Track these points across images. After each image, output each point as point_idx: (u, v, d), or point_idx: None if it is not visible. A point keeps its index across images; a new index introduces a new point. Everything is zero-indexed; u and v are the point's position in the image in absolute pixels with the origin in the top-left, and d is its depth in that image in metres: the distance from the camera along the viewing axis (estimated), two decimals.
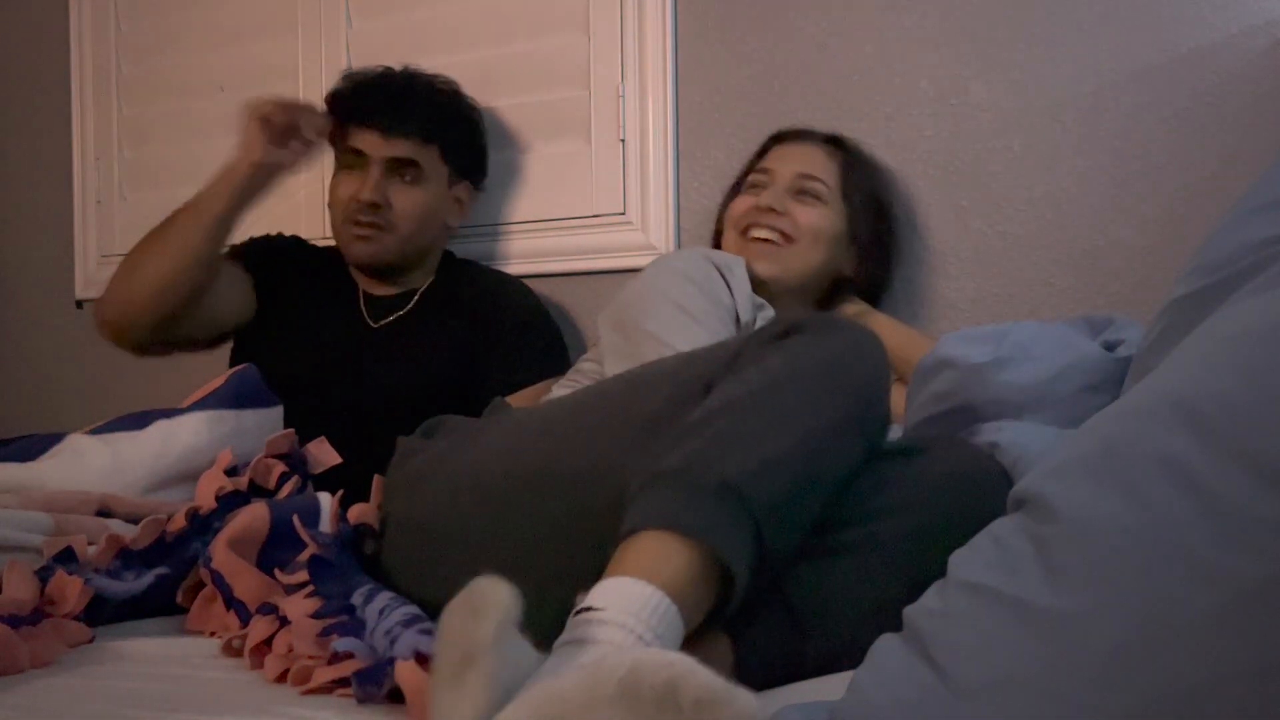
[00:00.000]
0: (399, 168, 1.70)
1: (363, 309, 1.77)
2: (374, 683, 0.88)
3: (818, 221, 1.53)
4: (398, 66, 1.76)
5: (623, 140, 1.84)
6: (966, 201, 1.65)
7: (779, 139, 1.63)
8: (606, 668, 0.63)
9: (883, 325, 1.56)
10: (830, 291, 1.60)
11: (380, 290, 1.78)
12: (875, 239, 1.59)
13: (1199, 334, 0.73)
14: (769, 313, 1.44)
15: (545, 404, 1.15)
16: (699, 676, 0.61)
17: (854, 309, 1.59)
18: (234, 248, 1.77)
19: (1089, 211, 1.57)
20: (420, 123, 1.70)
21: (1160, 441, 0.64)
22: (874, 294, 1.64)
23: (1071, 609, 0.61)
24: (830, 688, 0.82)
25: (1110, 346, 1.24)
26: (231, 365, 1.63)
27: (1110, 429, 0.68)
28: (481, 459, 1.11)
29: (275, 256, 1.80)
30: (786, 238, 1.52)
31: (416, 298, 1.77)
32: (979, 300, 1.64)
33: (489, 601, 0.68)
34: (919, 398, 1.29)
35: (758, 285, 1.47)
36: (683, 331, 1.31)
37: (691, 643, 0.86)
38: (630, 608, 0.76)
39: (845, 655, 0.94)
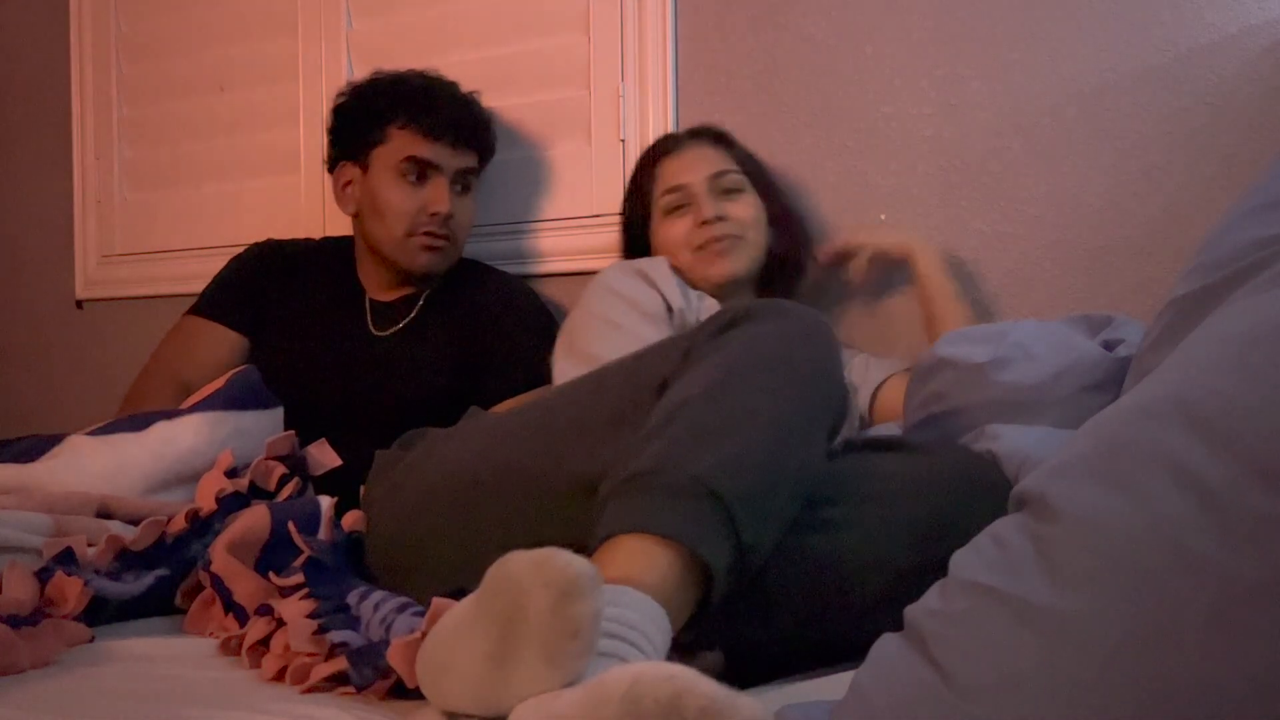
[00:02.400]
0: (463, 177, 1.72)
1: (368, 317, 1.76)
2: (369, 665, 0.89)
3: (752, 211, 1.59)
4: (416, 69, 1.76)
5: (623, 140, 1.84)
6: (966, 201, 1.65)
7: (660, 154, 1.65)
8: (607, 684, 0.63)
9: (932, 270, 1.58)
10: (768, 273, 1.62)
11: (387, 296, 1.77)
12: (785, 211, 1.65)
13: (1199, 333, 0.73)
14: (713, 301, 1.48)
15: (512, 408, 1.15)
16: (702, 687, 0.61)
17: (898, 238, 1.61)
18: (212, 307, 1.77)
19: (1089, 211, 1.57)
20: (478, 134, 1.74)
21: (1161, 441, 0.63)
22: (801, 269, 1.67)
23: (1072, 609, 0.61)
24: (830, 687, 0.82)
25: (1109, 346, 1.23)
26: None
27: (1111, 429, 0.68)
28: (450, 464, 1.11)
29: (256, 296, 1.78)
30: (737, 238, 1.56)
31: (420, 304, 1.76)
32: (979, 300, 1.64)
33: (584, 581, 0.68)
34: (917, 397, 1.29)
35: (717, 287, 1.54)
36: (611, 344, 1.36)
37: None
38: (620, 616, 0.75)
39: (807, 632, 0.94)
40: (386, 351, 1.73)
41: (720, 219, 1.55)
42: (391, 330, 1.75)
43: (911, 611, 0.70)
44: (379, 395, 1.68)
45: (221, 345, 1.74)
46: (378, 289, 1.78)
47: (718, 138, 1.66)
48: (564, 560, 0.68)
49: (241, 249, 1.88)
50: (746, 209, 1.58)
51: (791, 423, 0.91)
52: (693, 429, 0.88)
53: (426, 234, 1.69)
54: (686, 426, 0.88)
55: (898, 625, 0.72)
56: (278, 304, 1.77)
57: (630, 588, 0.77)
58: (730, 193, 1.58)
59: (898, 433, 1.44)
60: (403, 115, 1.69)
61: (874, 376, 1.58)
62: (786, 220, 1.63)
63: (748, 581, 0.88)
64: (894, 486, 0.97)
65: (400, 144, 1.69)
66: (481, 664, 0.72)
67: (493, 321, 1.72)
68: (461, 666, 0.74)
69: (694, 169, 1.59)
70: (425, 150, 1.68)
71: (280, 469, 1.30)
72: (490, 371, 1.68)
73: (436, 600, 0.90)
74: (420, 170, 1.69)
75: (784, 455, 0.89)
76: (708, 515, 0.82)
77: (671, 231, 1.58)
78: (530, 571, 0.69)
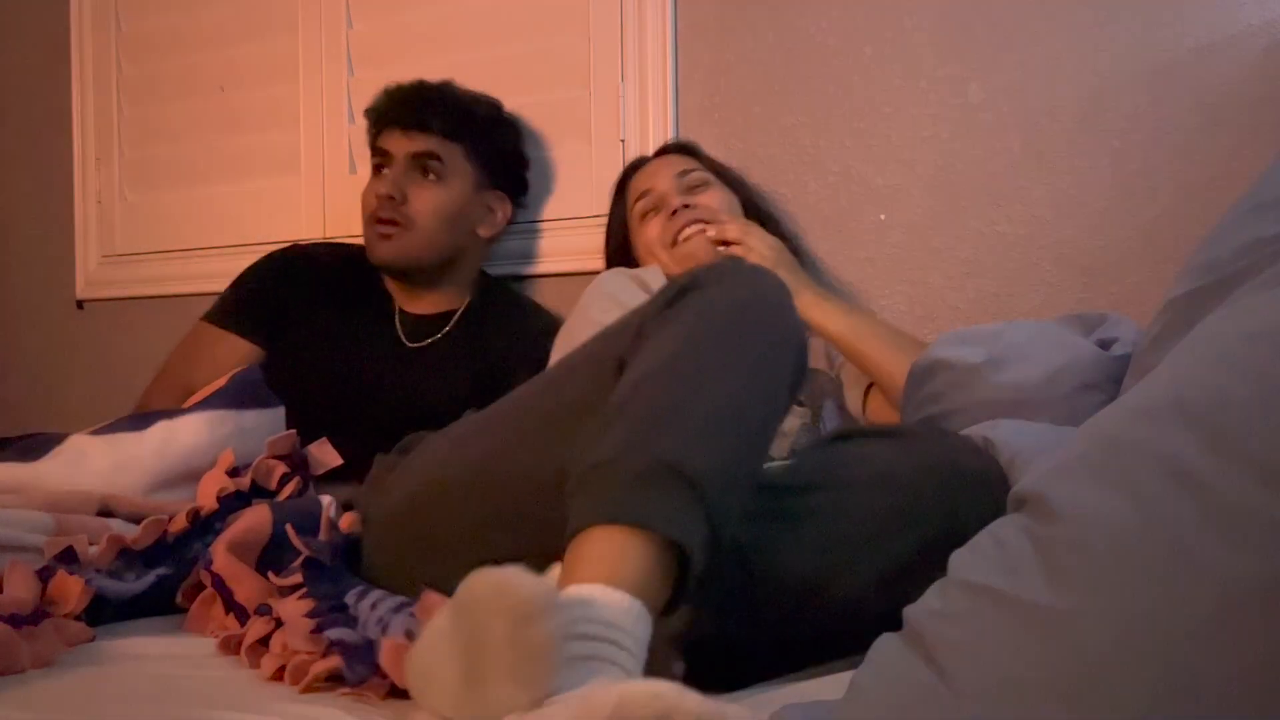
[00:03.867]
0: (420, 164, 1.70)
1: (398, 328, 1.75)
2: (364, 662, 0.89)
3: (721, 200, 1.62)
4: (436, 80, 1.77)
5: (623, 140, 1.84)
6: (966, 201, 1.65)
7: (629, 173, 1.71)
8: (593, 703, 0.63)
9: (829, 312, 1.52)
10: None
11: (416, 308, 1.76)
12: (759, 208, 1.67)
13: (1198, 333, 0.73)
14: None
15: (492, 405, 1.15)
16: (689, 705, 0.61)
17: (809, 296, 1.53)
18: (225, 315, 1.75)
19: (1089, 211, 1.58)
20: (443, 120, 1.70)
21: (1161, 441, 0.64)
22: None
23: (1072, 609, 0.61)
24: (830, 687, 0.82)
25: (1104, 345, 1.23)
26: (264, 375, 1.60)
27: (1110, 429, 0.68)
28: (433, 465, 1.12)
29: (274, 305, 1.75)
30: (707, 223, 1.58)
31: (454, 321, 1.75)
32: (979, 300, 1.64)
33: (538, 606, 0.68)
34: (914, 400, 1.29)
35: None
36: None
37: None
38: (599, 617, 0.75)
39: (796, 624, 0.94)
40: (419, 363, 1.72)
41: (688, 207, 1.59)
42: (423, 343, 1.74)
43: (911, 611, 0.70)
44: (408, 406, 1.66)
45: (233, 354, 1.71)
46: (404, 299, 1.77)
47: (682, 148, 1.71)
48: (518, 585, 0.68)
49: (241, 248, 1.88)
50: (714, 199, 1.61)
51: (749, 384, 0.90)
52: (650, 409, 0.86)
53: (377, 220, 1.70)
54: (644, 407, 0.87)
55: (888, 617, 0.72)
56: (301, 312, 1.74)
57: (604, 585, 0.76)
58: (697, 188, 1.63)
59: None
60: (373, 119, 1.75)
61: (864, 377, 1.58)
62: (762, 219, 1.64)
63: (722, 552, 0.87)
64: (883, 470, 0.96)
65: (374, 140, 1.74)
66: (456, 681, 0.72)
67: (520, 350, 1.70)
68: (440, 681, 0.74)
69: (659, 174, 1.65)
70: (381, 140, 1.72)
71: (281, 468, 1.30)
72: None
73: (426, 593, 0.91)
74: (381, 161, 1.72)
75: (744, 418, 0.88)
76: (675, 496, 0.81)
77: (647, 234, 1.62)
78: (489, 598, 0.69)
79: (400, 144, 1.70)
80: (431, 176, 1.71)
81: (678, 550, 0.81)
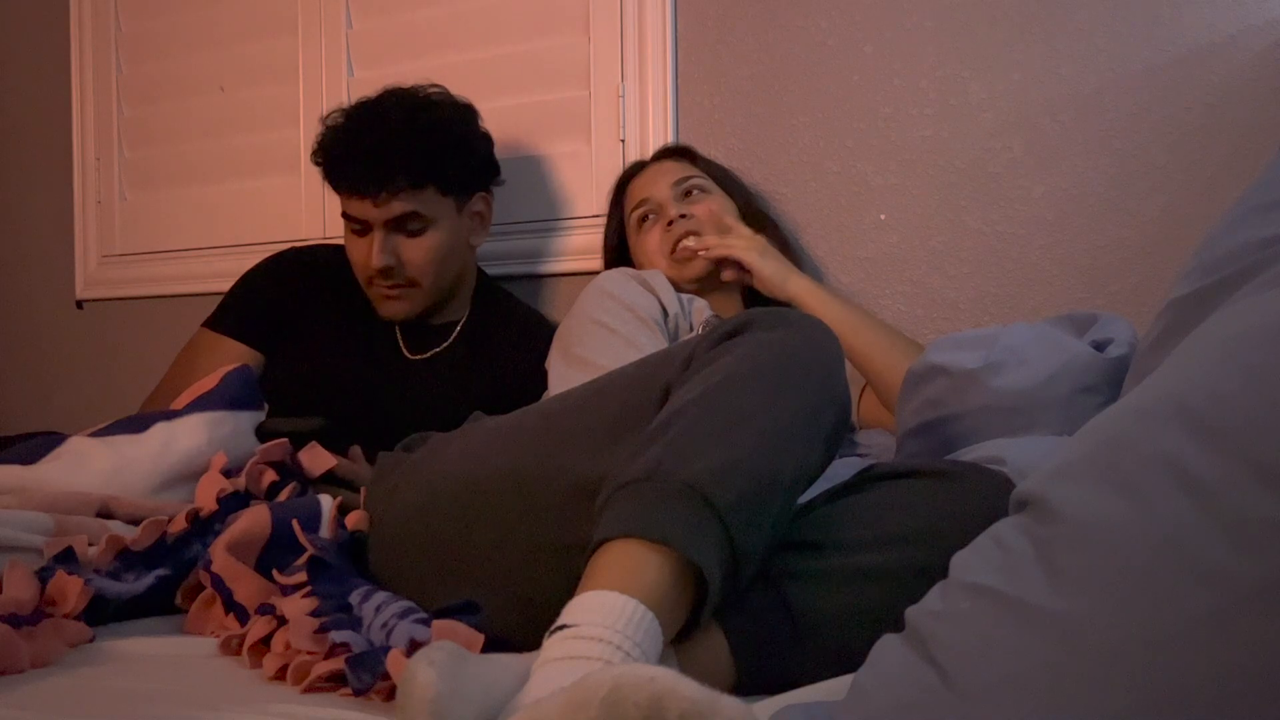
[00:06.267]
0: (401, 223, 1.63)
1: (399, 340, 1.74)
2: (368, 670, 0.89)
3: (718, 206, 1.61)
4: (375, 92, 1.68)
5: (623, 140, 1.84)
6: (966, 201, 1.65)
7: (627, 179, 1.71)
8: (588, 688, 0.63)
9: (823, 300, 1.52)
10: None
11: (418, 320, 1.75)
12: (758, 211, 1.67)
13: (1199, 334, 0.73)
14: (701, 302, 1.49)
15: (515, 412, 1.15)
16: (683, 689, 0.61)
17: (804, 283, 1.54)
18: (225, 321, 1.74)
19: (1089, 211, 1.58)
20: (407, 175, 1.60)
21: (1161, 442, 0.63)
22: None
23: (1072, 610, 0.61)
24: (831, 688, 0.82)
25: (1099, 346, 1.23)
26: (262, 385, 1.59)
27: (1111, 430, 0.68)
28: (452, 465, 1.11)
29: (273, 310, 1.73)
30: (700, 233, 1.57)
31: (455, 333, 1.74)
32: (979, 300, 1.64)
33: (415, 695, 0.68)
34: (911, 404, 1.29)
35: (700, 284, 1.57)
36: (606, 347, 1.37)
37: (692, 654, 0.86)
38: (608, 621, 0.75)
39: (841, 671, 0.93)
40: (420, 376, 1.71)
41: (684, 217, 1.58)
42: (425, 356, 1.73)
43: (912, 613, 0.70)
44: (407, 417, 1.65)
45: (235, 360, 1.70)
46: None
47: (680, 152, 1.71)
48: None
49: (241, 248, 1.87)
50: (711, 205, 1.61)
51: (788, 428, 0.91)
52: (687, 435, 0.88)
53: (379, 286, 1.67)
54: (681, 433, 0.88)
55: None
56: (300, 317, 1.73)
57: (616, 592, 0.77)
58: (694, 195, 1.62)
59: (887, 439, 1.44)
60: (328, 176, 1.67)
61: (859, 377, 1.58)
62: (760, 220, 1.64)
63: (747, 585, 0.88)
64: (934, 525, 0.94)
65: (340, 199, 1.67)
66: None
67: (523, 360, 1.69)
68: None
69: (657, 182, 1.64)
70: (350, 208, 1.64)
71: (271, 474, 1.30)
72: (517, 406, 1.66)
73: (438, 623, 0.91)
74: (357, 224, 1.65)
75: (778, 461, 0.89)
76: (699, 520, 0.82)
77: (646, 243, 1.62)
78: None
79: (373, 213, 1.62)
80: (413, 229, 1.64)
81: (696, 573, 0.81)
